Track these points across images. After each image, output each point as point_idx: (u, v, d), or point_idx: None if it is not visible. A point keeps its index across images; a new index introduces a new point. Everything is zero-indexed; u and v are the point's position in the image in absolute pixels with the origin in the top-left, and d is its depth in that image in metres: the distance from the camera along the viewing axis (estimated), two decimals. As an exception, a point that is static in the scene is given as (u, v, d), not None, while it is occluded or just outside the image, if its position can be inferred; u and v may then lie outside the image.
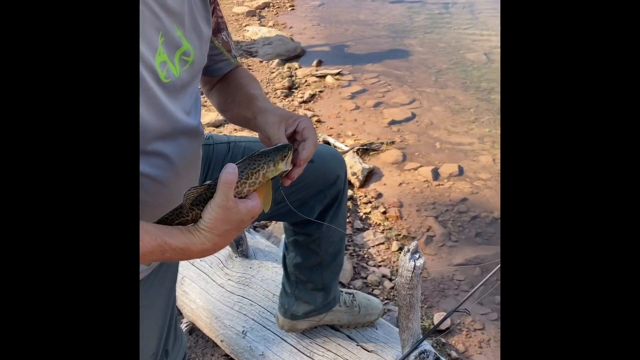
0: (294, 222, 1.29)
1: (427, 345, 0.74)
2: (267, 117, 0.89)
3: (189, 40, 0.83)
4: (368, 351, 1.40)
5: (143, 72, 0.72)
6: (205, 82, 1.09)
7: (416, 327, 0.75)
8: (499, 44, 4.39)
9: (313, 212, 1.23)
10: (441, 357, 0.73)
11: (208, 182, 0.71)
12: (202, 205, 0.70)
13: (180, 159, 0.86)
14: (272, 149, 0.75)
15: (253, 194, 0.71)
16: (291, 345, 1.46)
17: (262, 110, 0.91)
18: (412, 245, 0.69)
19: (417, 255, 0.69)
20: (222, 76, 1.07)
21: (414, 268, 0.68)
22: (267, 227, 2.43)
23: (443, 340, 1.98)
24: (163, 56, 0.77)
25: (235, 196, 0.69)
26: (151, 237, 0.67)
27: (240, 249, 1.66)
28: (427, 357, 0.71)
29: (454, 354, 1.92)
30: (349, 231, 2.45)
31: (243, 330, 1.53)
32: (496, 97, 3.61)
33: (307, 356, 1.42)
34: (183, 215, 0.71)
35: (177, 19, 0.79)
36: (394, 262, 2.33)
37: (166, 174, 0.83)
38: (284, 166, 0.76)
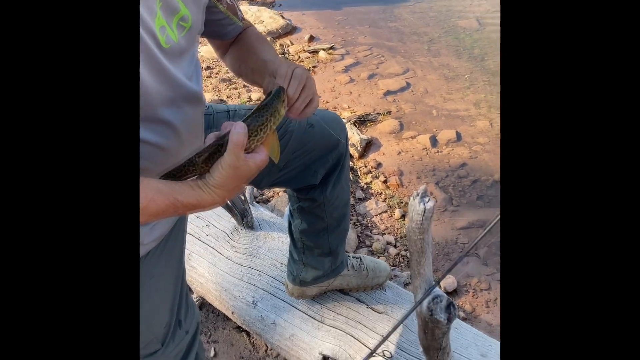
0: (298, 188, 1.29)
1: (439, 291, 0.75)
2: (279, 66, 0.89)
3: (186, 5, 0.82)
4: (378, 312, 1.42)
5: (144, 36, 0.72)
6: (217, 46, 1.09)
7: (428, 273, 0.76)
8: (490, 9, 4.36)
9: (316, 176, 1.24)
10: (454, 302, 0.74)
11: (217, 138, 0.71)
12: (211, 162, 0.70)
13: (184, 126, 0.86)
14: (271, 98, 0.75)
15: (260, 147, 0.72)
16: (302, 311, 1.47)
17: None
18: (421, 188, 0.70)
19: (427, 199, 0.69)
20: (233, 39, 1.07)
21: (424, 211, 0.68)
22: (269, 201, 2.44)
23: (450, 301, 2.01)
24: (162, 21, 0.76)
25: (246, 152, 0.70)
26: (164, 196, 0.69)
27: (246, 220, 1.67)
28: (441, 301, 0.72)
29: (461, 314, 1.94)
30: (351, 201, 2.46)
31: (253, 301, 1.55)
32: (490, 62, 3.60)
33: (318, 321, 1.44)
34: (192, 172, 0.71)
35: None
36: (397, 229, 2.35)
37: (170, 142, 0.83)
38: (284, 110, 0.76)
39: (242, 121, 0.70)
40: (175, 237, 1.02)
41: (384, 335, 1.36)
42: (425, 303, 0.73)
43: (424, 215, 0.68)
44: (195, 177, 0.73)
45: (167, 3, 0.77)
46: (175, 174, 0.71)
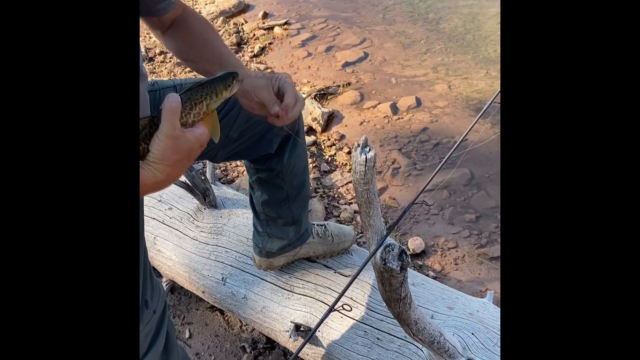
0: (254, 159, 1.29)
1: (391, 240, 0.76)
2: (254, 82, 0.92)
3: None
4: (346, 276, 1.43)
5: None
6: (153, 24, 1.06)
7: (378, 223, 0.77)
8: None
9: (272, 145, 1.23)
10: (406, 249, 0.75)
11: (150, 115, 0.70)
12: (148, 139, 0.68)
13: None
14: (215, 78, 0.73)
15: (199, 124, 0.70)
16: (271, 283, 1.48)
17: (244, 75, 0.94)
18: (361, 139, 0.70)
19: (367, 149, 0.70)
20: (169, 18, 1.04)
21: (366, 161, 0.69)
22: (234, 181, 2.42)
23: (420, 262, 2.04)
24: None
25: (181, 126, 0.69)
26: None
27: (208, 199, 1.66)
28: (393, 249, 0.74)
29: (431, 274, 1.98)
30: (316, 175, 2.47)
31: (222, 278, 1.55)
32: (445, 25, 3.62)
33: (288, 290, 1.45)
34: None
35: None
36: (364, 197, 2.37)
37: None
38: (227, 94, 0.74)
39: (178, 94, 0.69)
40: None
41: (355, 297, 1.38)
42: (378, 254, 0.74)
43: (366, 165, 0.68)
44: None
45: None
46: None
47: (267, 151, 1.23)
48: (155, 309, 1.10)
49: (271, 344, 1.66)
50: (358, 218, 2.23)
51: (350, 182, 2.45)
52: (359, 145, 0.70)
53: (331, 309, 0.82)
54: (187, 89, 0.72)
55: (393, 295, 0.87)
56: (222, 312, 1.79)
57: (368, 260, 0.78)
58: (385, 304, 0.98)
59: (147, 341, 1.09)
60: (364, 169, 0.69)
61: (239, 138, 1.18)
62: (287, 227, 1.38)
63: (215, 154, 1.20)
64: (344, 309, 0.85)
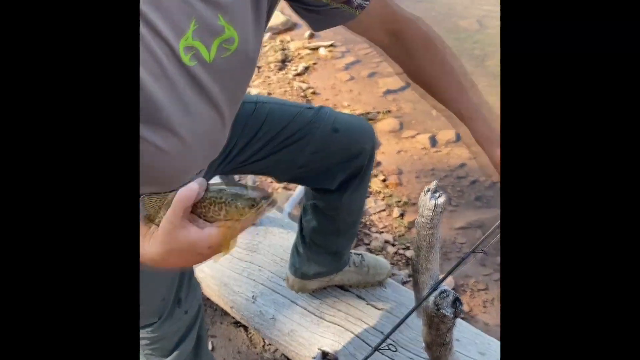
0: (315, 188, 1.29)
1: (445, 286, 0.76)
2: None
3: (236, 28, 0.81)
4: (378, 309, 1.42)
5: (159, 53, 0.72)
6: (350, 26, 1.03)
7: (435, 268, 0.76)
8: (491, 10, 4.37)
9: (334, 181, 1.23)
10: (460, 297, 0.74)
11: (172, 190, 0.63)
12: (162, 215, 0.62)
13: (192, 135, 0.83)
14: (241, 194, 0.62)
15: (215, 224, 0.62)
16: (301, 307, 1.48)
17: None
18: (433, 184, 0.70)
19: (437, 194, 0.70)
20: (390, 29, 1.05)
21: (435, 206, 0.69)
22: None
23: (447, 300, 2.01)
24: (192, 42, 0.76)
25: (200, 217, 0.62)
26: None
27: (246, 215, 1.67)
28: (447, 296, 0.73)
29: (458, 313, 1.95)
30: (349, 200, 2.47)
31: (253, 295, 1.55)
32: (490, 63, 3.61)
33: (318, 317, 1.44)
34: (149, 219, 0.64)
35: (221, 9, 0.78)
36: (395, 228, 2.35)
37: (173, 148, 0.81)
38: (252, 215, 0.62)
39: (212, 183, 0.63)
40: None
41: (386, 332, 1.37)
42: (431, 298, 0.73)
43: (434, 210, 0.68)
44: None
45: (205, 26, 0.77)
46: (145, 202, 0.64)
47: (328, 186, 1.23)
48: (188, 310, 1.10)
49: (293, 367, 1.65)
50: (389, 248, 2.21)
51: (383, 210, 2.44)
52: (429, 190, 0.69)
53: (375, 349, 0.81)
54: (223, 183, 0.70)
55: (437, 340, 0.86)
56: (246, 328, 1.78)
57: (420, 304, 0.77)
58: (424, 345, 0.96)
59: (175, 339, 1.10)
60: (431, 214, 0.68)
61: (303, 166, 1.18)
62: (327, 256, 1.38)
63: (278, 175, 1.22)
64: (389, 349, 0.84)
